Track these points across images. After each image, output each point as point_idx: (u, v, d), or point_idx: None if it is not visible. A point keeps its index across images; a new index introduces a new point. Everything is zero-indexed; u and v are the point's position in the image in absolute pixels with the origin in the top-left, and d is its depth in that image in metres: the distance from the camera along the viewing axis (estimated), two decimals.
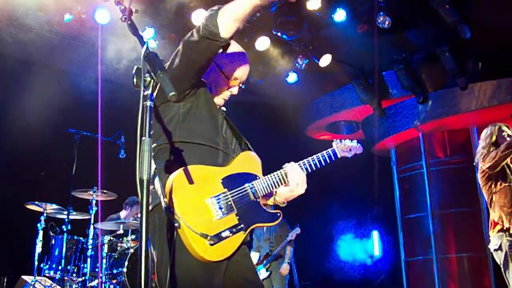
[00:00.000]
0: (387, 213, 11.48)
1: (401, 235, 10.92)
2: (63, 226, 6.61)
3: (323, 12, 7.87)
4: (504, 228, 5.37)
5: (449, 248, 10.06)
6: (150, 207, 2.60)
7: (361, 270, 12.02)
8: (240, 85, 2.98)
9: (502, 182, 5.52)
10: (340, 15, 7.95)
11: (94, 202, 6.69)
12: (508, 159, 5.44)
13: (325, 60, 8.81)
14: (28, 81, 7.82)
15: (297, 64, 8.89)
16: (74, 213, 6.76)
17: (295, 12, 7.83)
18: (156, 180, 2.43)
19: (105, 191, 6.73)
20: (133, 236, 6.88)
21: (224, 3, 2.60)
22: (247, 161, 2.89)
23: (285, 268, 8.12)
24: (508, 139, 5.52)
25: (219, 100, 2.96)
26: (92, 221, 6.63)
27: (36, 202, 6.62)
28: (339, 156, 3.21)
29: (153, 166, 2.17)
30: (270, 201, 2.97)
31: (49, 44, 7.75)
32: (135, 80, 2.12)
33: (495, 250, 5.46)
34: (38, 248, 6.53)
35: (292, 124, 11.02)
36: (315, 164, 3.04)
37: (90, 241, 6.50)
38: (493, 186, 5.57)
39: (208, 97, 2.86)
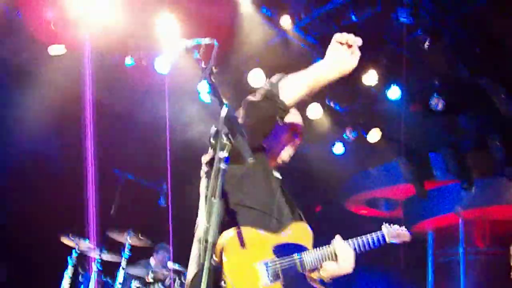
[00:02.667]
0: None
1: None
2: (93, 264, 6.58)
3: (378, 87, 7.86)
4: None
5: None
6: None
7: None
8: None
9: None
10: (394, 93, 7.89)
11: (127, 246, 6.62)
12: None
13: (374, 136, 8.78)
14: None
15: (344, 135, 8.87)
16: (106, 253, 6.73)
17: (351, 84, 7.86)
18: None
19: (141, 237, 6.69)
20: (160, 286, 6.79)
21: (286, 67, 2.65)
22: (299, 231, 2.89)
23: None
24: None
25: (285, 155, 3.04)
26: (123, 265, 6.56)
27: (71, 237, 6.58)
28: (387, 241, 3.15)
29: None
30: (314, 275, 2.90)
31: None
32: (212, 141, 2.14)
33: None
34: (66, 284, 6.48)
35: (332, 194, 10.91)
36: (364, 245, 2.99)
37: (119, 286, 6.42)
38: None
39: (265, 163, 2.89)
